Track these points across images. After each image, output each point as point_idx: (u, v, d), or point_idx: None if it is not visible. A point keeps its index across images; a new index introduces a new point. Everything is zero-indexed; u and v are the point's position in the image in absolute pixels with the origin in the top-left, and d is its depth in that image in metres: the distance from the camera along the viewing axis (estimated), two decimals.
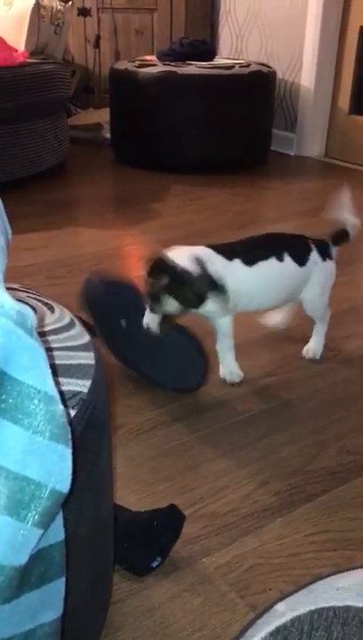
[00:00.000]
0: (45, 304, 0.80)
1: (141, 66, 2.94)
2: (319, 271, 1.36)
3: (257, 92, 3.02)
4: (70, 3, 2.93)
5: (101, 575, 0.75)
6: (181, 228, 2.28)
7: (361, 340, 1.55)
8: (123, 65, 3.02)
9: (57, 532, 0.51)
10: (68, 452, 0.47)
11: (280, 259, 1.30)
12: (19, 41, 2.66)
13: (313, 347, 1.47)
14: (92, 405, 0.64)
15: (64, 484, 0.47)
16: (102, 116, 3.47)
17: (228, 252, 1.26)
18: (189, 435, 1.19)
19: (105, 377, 0.74)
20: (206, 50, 3.06)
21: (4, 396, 0.44)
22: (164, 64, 2.94)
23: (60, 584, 0.51)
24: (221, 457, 1.14)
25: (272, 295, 1.35)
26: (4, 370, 0.44)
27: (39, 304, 0.80)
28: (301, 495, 1.06)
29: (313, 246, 1.36)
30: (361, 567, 0.57)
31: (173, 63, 2.93)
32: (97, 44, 3.75)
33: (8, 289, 0.85)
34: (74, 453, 0.54)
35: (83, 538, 0.65)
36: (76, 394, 0.63)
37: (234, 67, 2.94)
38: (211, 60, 3.06)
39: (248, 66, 2.99)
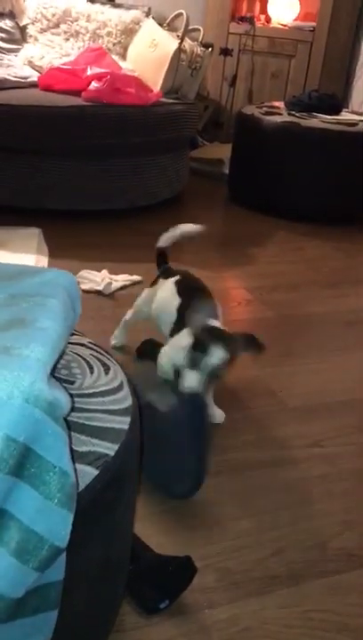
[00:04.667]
0: (103, 364, 0.94)
1: (267, 113, 3.06)
2: None
3: None
4: (210, 49, 3.11)
5: (107, 605, 0.87)
6: (271, 277, 2.36)
7: None
8: (250, 110, 3.16)
9: (57, 573, 0.64)
10: (70, 517, 0.60)
11: None
12: (156, 81, 2.87)
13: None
14: (115, 468, 0.76)
15: (62, 542, 0.59)
16: (225, 151, 3.63)
17: None
18: (225, 490, 1.29)
19: (137, 441, 0.86)
20: (333, 104, 3.13)
21: (28, 466, 0.58)
22: (289, 113, 3.05)
23: (52, 615, 0.64)
24: (248, 517, 1.23)
25: None
26: (31, 447, 0.58)
27: (98, 363, 0.94)
28: (312, 570, 1.12)
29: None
30: None
31: (298, 114, 3.03)
32: (233, 83, 3.93)
33: (78, 344, 0.99)
34: (88, 509, 0.67)
35: (91, 574, 0.78)
36: (101, 456, 0.75)
37: (358, 124, 2.99)
38: (337, 114, 3.13)
39: None
